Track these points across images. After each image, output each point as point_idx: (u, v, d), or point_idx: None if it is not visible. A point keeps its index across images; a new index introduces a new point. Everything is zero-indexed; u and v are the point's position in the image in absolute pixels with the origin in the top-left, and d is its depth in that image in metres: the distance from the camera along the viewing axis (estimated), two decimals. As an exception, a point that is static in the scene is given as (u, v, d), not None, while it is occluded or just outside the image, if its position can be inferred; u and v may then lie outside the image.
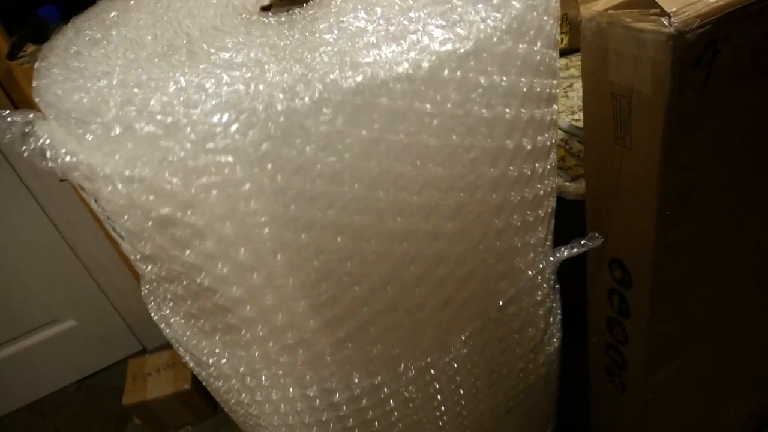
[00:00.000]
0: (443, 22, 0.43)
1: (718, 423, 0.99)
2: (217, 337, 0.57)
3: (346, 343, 0.52)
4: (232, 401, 0.66)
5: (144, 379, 1.34)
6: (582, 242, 0.56)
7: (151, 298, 0.65)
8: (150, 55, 0.47)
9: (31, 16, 0.68)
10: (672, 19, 0.49)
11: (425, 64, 0.40)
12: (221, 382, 0.63)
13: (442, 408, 0.63)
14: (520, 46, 0.46)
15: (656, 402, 0.83)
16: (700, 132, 0.57)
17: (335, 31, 0.43)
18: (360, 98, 0.39)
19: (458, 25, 0.42)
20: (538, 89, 0.50)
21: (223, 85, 0.40)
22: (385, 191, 0.44)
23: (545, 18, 0.49)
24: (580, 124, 0.75)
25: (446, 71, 0.41)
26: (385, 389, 0.57)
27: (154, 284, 0.60)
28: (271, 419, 0.62)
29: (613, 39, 0.55)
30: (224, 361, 0.58)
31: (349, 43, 0.42)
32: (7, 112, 0.48)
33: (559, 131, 0.84)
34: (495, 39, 0.43)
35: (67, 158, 0.44)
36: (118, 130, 0.40)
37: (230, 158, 0.39)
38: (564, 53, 1.00)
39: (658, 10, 0.50)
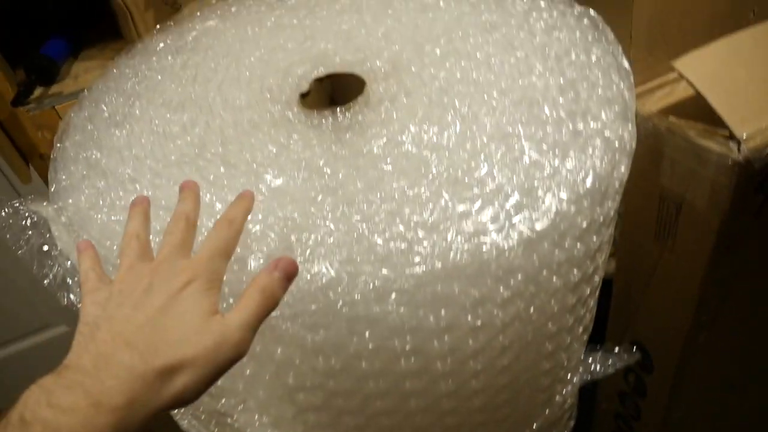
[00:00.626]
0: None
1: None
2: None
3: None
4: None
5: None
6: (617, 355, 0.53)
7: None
8: (180, 158, 0.43)
9: (37, 57, 0.62)
10: (742, 146, 0.46)
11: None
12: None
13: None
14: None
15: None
16: (748, 248, 0.55)
17: (389, 160, 0.40)
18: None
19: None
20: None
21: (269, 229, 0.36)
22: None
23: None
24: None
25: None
26: None
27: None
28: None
29: (670, 145, 0.52)
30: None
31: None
32: (17, 202, 0.44)
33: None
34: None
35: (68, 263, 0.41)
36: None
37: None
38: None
39: (727, 132, 0.47)
